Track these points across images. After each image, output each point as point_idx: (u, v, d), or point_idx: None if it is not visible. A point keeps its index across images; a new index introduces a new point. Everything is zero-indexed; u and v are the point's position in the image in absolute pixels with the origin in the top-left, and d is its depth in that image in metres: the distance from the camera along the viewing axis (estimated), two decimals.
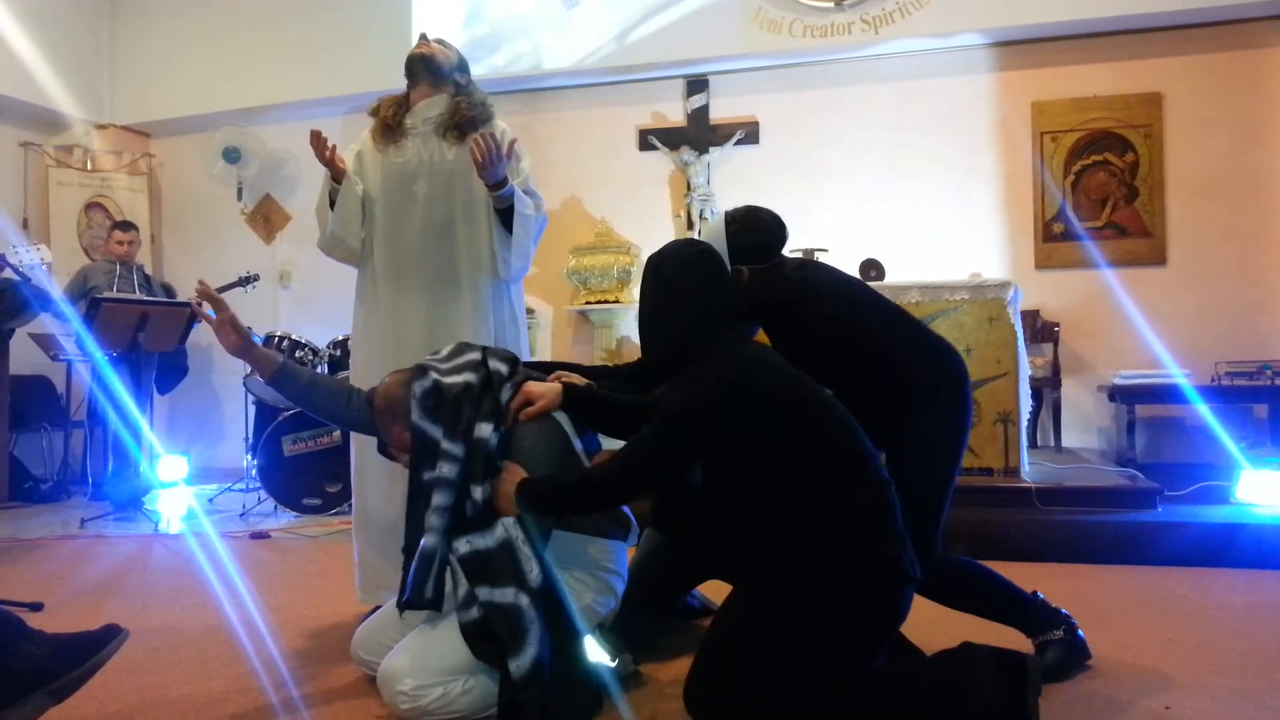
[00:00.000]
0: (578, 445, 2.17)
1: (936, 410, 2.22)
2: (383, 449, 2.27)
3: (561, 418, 2.16)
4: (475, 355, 2.19)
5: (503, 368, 2.17)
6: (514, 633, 1.92)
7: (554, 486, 2.02)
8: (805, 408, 1.92)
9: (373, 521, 2.76)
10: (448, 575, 2.03)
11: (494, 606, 1.94)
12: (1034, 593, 2.32)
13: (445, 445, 2.04)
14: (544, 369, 2.35)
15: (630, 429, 2.26)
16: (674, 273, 2.07)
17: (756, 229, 2.35)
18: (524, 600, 1.95)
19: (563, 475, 2.07)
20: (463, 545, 1.99)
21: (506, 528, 1.99)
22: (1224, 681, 2.21)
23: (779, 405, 1.89)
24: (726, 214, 2.39)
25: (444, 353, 2.22)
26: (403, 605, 2.05)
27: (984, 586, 2.28)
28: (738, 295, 2.14)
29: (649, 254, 2.18)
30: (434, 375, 2.11)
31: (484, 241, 2.74)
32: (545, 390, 2.13)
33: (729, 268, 2.18)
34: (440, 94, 2.79)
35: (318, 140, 2.64)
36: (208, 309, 2.32)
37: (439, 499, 2.01)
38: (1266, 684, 2.19)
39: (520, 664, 1.91)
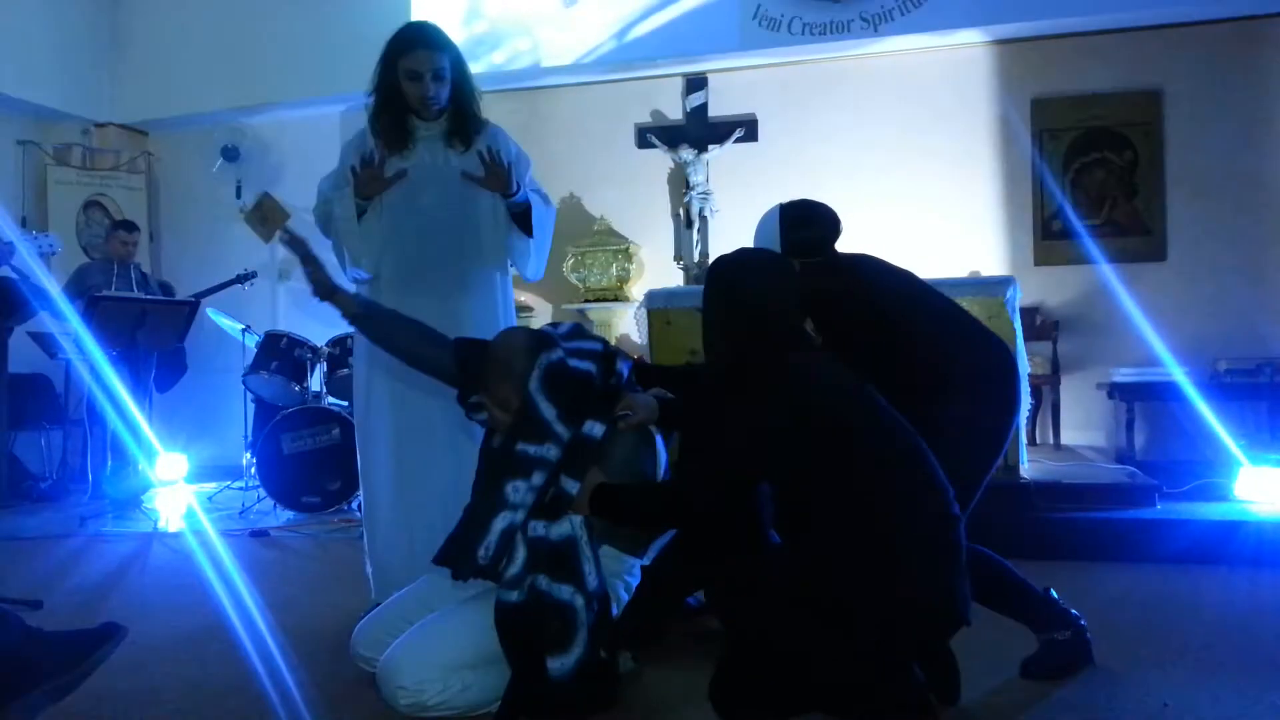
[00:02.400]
0: (660, 468, 2.18)
1: (984, 398, 2.20)
2: (463, 401, 2.20)
3: (653, 431, 2.17)
4: (598, 345, 2.15)
5: (625, 368, 2.15)
6: (566, 631, 1.91)
7: (625, 499, 2.01)
8: (861, 438, 1.84)
9: (380, 520, 2.72)
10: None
11: (550, 600, 1.92)
12: (1047, 589, 2.30)
13: (557, 428, 2.01)
14: (644, 373, 2.35)
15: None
16: (733, 277, 2.02)
17: (811, 223, 2.32)
18: (579, 601, 1.94)
19: (635, 487, 2.07)
20: (538, 527, 1.98)
21: (574, 525, 1.98)
22: (1222, 679, 2.21)
23: (831, 442, 1.82)
24: (780, 207, 2.36)
25: (563, 329, 2.18)
26: (460, 566, 2.01)
27: (995, 576, 2.24)
28: (801, 301, 2.10)
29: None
30: (560, 352, 2.06)
31: (490, 243, 2.73)
32: (644, 405, 2.13)
33: (793, 271, 2.12)
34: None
35: (370, 174, 2.58)
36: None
37: (536, 478, 1.99)
38: (1265, 681, 2.19)
39: (564, 663, 1.90)
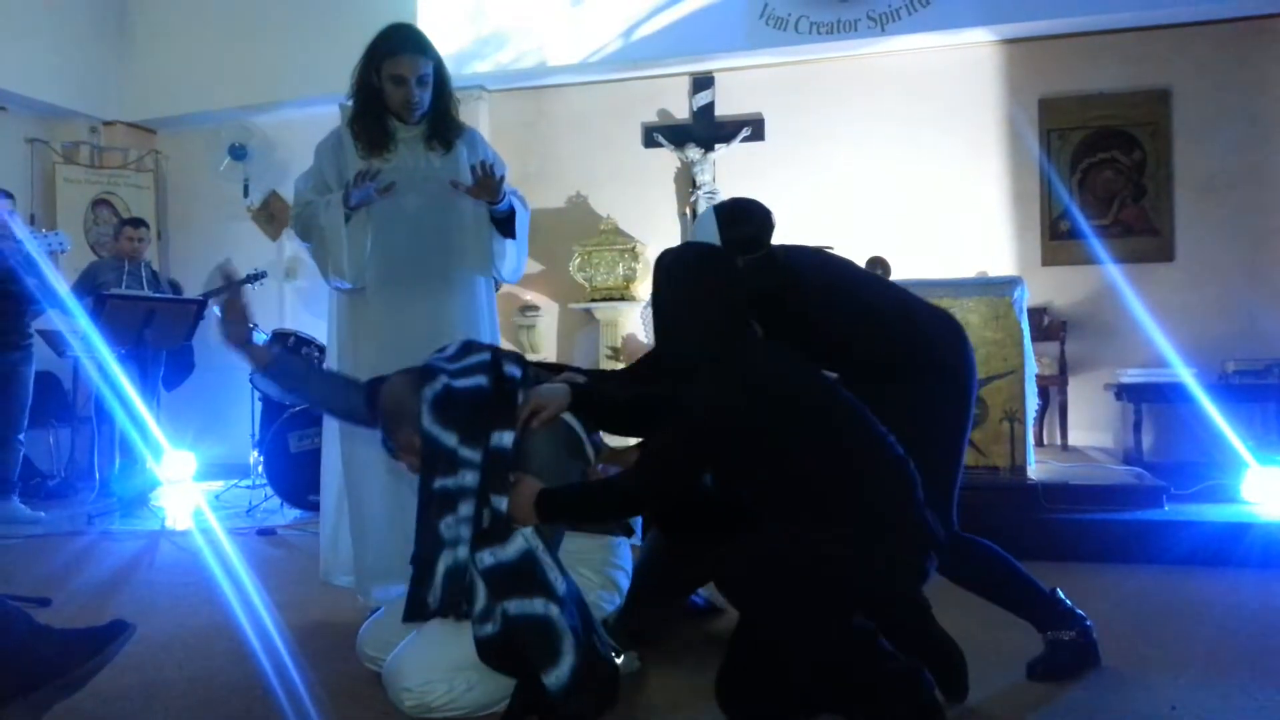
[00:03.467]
0: (588, 446, 2.16)
1: (939, 373, 2.23)
2: (386, 445, 2.22)
3: (570, 419, 2.15)
4: (485, 356, 2.14)
5: (516, 371, 2.13)
6: (548, 645, 1.89)
7: (573, 498, 2.02)
8: (815, 414, 1.91)
9: (370, 516, 2.70)
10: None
11: (524, 619, 1.90)
12: (1053, 590, 2.30)
13: (463, 453, 2.00)
14: (549, 369, 2.34)
15: (635, 425, 2.27)
16: (681, 270, 2.07)
17: (748, 220, 2.35)
18: (554, 610, 1.92)
19: (579, 487, 2.07)
20: (486, 558, 1.95)
21: (526, 538, 1.96)
22: (1230, 681, 2.20)
23: (788, 418, 1.88)
24: (714, 208, 2.40)
25: (450, 350, 2.18)
26: (415, 616, 2.01)
27: (1001, 571, 2.25)
28: (743, 291, 2.14)
29: (655, 251, 2.19)
30: (444, 379, 2.06)
31: (472, 244, 2.74)
32: (553, 395, 2.11)
33: (732, 262, 2.17)
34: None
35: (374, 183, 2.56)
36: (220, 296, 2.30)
37: (463, 509, 1.97)
38: (1273, 683, 2.18)
39: (559, 675, 1.87)
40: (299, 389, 2.35)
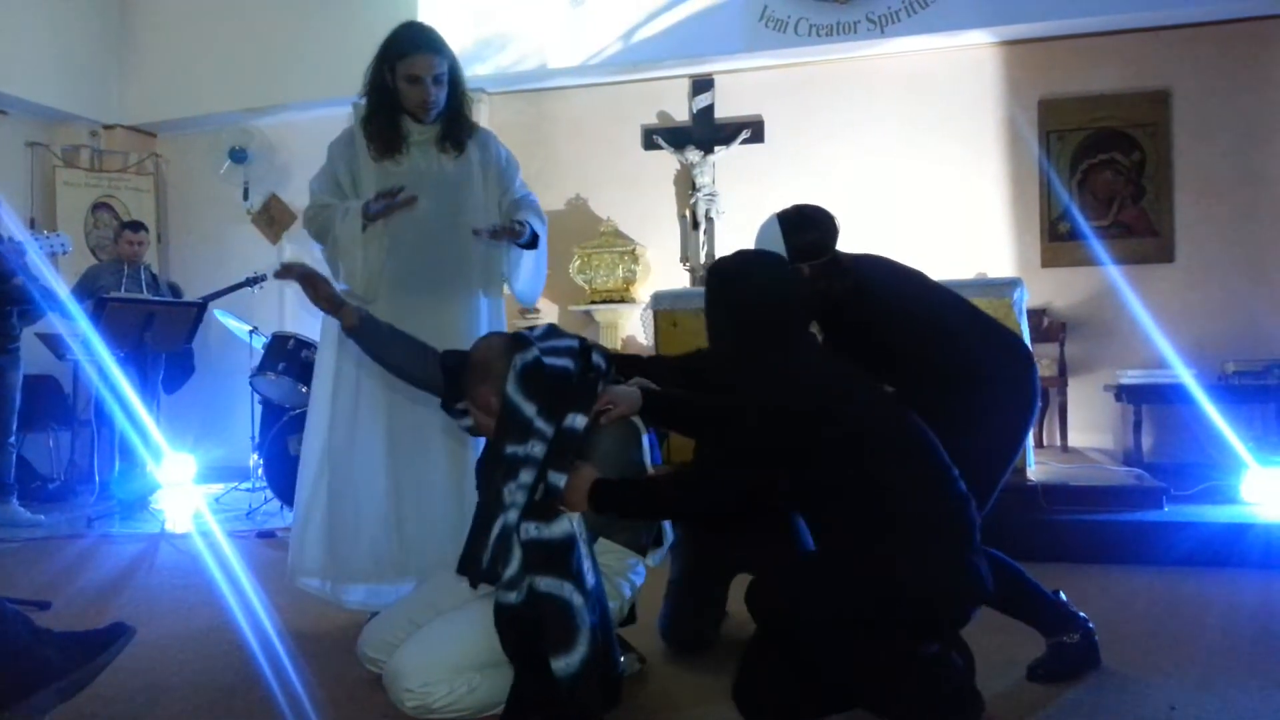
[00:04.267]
0: (647, 457, 2.20)
1: (1003, 391, 2.21)
2: (447, 407, 2.25)
3: (637, 421, 2.17)
4: (574, 342, 2.17)
5: (602, 362, 2.16)
6: (567, 631, 1.90)
7: (627, 492, 2.02)
8: (873, 435, 1.87)
9: (365, 514, 2.65)
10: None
11: (550, 600, 1.91)
12: (1055, 592, 2.29)
13: (538, 424, 2.02)
14: (626, 365, 2.38)
15: (702, 431, 2.29)
16: (737, 275, 2.06)
17: (811, 227, 2.33)
18: (579, 600, 1.92)
19: (634, 482, 2.08)
20: (531, 529, 1.97)
21: (572, 522, 1.98)
22: (1230, 682, 2.20)
23: (841, 432, 1.85)
24: (777, 215, 2.37)
25: (539, 331, 2.20)
26: (468, 571, 2.04)
27: (1007, 580, 2.23)
28: (804, 295, 2.12)
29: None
30: (536, 351, 2.09)
31: (481, 249, 2.72)
32: (627, 396, 2.13)
33: (790, 268, 2.15)
34: None
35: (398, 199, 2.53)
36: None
37: (524, 476, 2.00)
38: (1273, 684, 2.18)
39: (569, 663, 1.87)
40: (380, 352, 2.35)
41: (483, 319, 2.77)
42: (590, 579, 1.97)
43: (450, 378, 2.23)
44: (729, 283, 2.07)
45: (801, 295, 2.10)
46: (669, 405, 2.20)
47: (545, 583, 1.92)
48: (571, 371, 2.09)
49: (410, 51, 2.59)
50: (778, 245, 2.28)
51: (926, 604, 1.80)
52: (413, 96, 2.60)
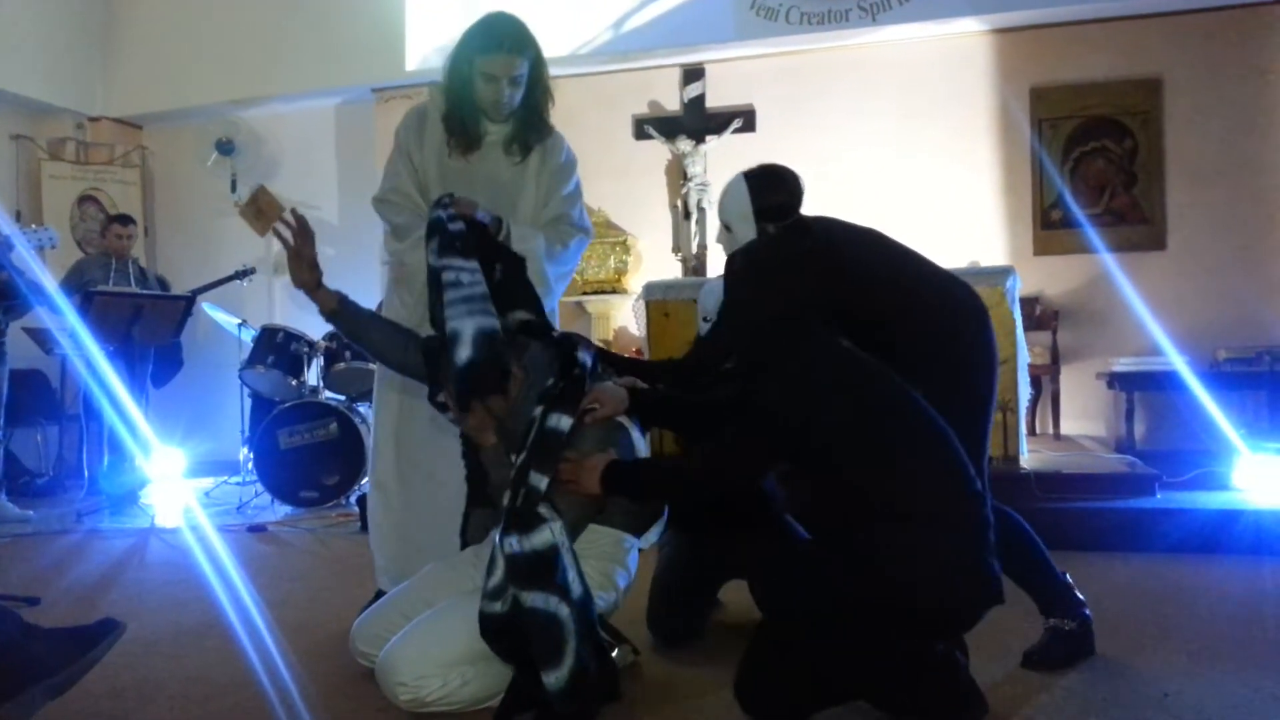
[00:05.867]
0: (639, 451, 2.16)
1: (969, 343, 2.19)
2: (433, 398, 2.21)
3: (625, 420, 2.14)
4: (562, 338, 2.19)
5: (588, 359, 2.14)
6: (553, 645, 1.87)
7: (640, 474, 2.01)
8: (886, 419, 1.86)
9: (393, 496, 2.62)
10: (478, 554, 2.03)
11: (536, 614, 1.88)
12: (1064, 574, 2.28)
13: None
14: (618, 364, 2.35)
15: (696, 429, 2.27)
16: (752, 270, 2.06)
17: (779, 186, 2.30)
18: (565, 611, 1.89)
19: (648, 464, 2.07)
20: (513, 543, 1.93)
21: (554, 532, 1.94)
22: (1222, 668, 2.21)
23: (857, 421, 1.84)
24: (745, 174, 2.33)
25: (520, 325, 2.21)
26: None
27: (1021, 546, 2.22)
28: (811, 286, 2.09)
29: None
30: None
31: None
32: (614, 396, 2.11)
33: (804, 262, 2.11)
34: None
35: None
36: (288, 234, 2.24)
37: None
38: (1265, 671, 2.18)
39: (559, 677, 1.85)
40: (360, 336, 2.33)
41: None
42: (576, 588, 1.94)
43: (431, 363, 2.19)
44: (753, 280, 2.04)
45: (809, 289, 2.08)
46: (659, 403, 2.18)
47: (530, 597, 1.89)
48: (553, 359, 2.11)
49: (492, 50, 2.43)
50: (744, 204, 2.26)
51: (938, 607, 1.78)
52: (487, 95, 2.47)
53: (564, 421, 2.01)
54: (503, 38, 2.44)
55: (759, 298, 2.02)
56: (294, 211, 2.30)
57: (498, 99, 2.46)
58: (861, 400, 1.86)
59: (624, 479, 1.98)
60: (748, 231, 2.29)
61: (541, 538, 1.93)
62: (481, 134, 2.54)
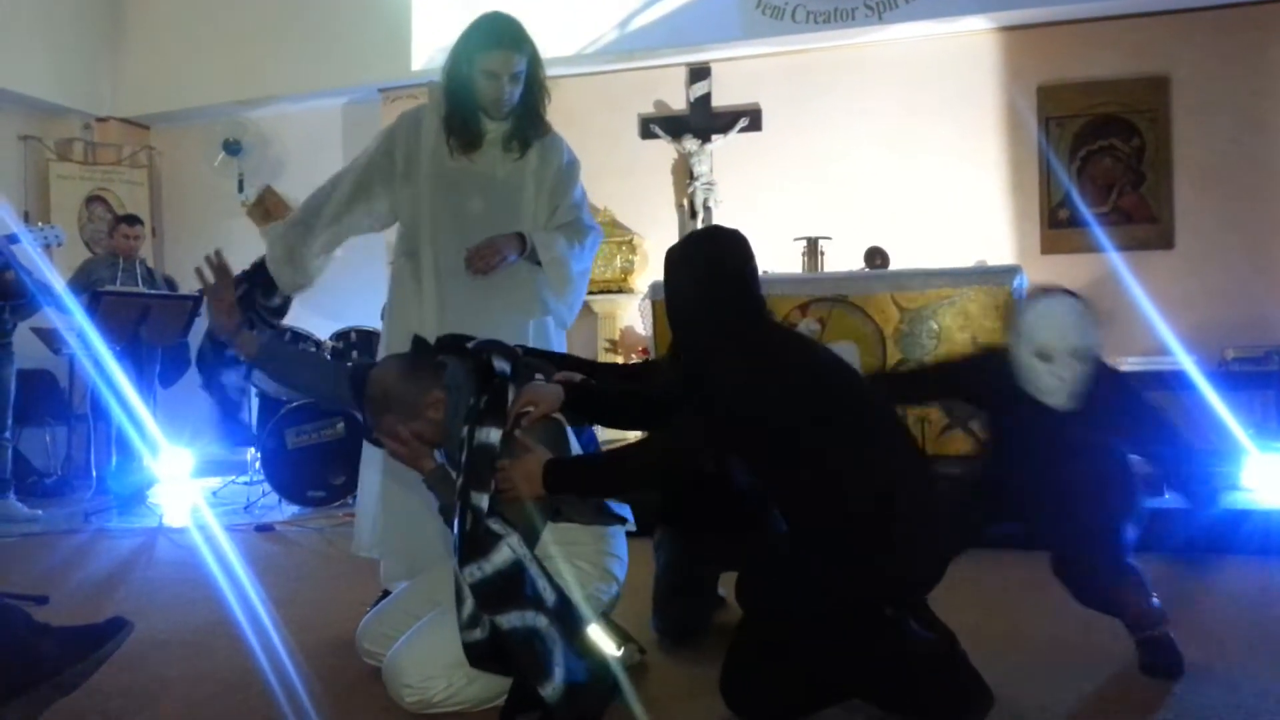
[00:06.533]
0: (576, 448, 2.13)
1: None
2: (368, 434, 2.20)
3: (560, 418, 2.10)
4: (469, 356, 2.12)
5: (505, 366, 2.08)
6: (538, 659, 1.85)
7: (582, 468, 1.99)
8: (845, 410, 1.87)
9: (396, 497, 2.62)
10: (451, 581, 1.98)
11: (515, 633, 1.86)
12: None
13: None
14: (546, 359, 2.31)
15: (631, 420, 2.26)
16: (694, 258, 2.04)
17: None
18: (542, 622, 1.87)
19: (589, 457, 2.06)
20: (474, 571, 1.89)
21: (513, 547, 1.91)
22: (1231, 669, 2.20)
23: (817, 410, 1.84)
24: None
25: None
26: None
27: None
28: (756, 273, 2.09)
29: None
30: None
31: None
32: (546, 394, 2.07)
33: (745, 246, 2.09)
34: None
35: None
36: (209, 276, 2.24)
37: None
38: (1274, 672, 2.17)
39: (554, 687, 1.84)
40: (286, 376, 2.32)
41: (529, 318, 2.66)
42: (549, 595, 1.91)
43: (359, 395, 2.14)
44: (710, 259, 2.02)
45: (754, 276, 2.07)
46: (596, 395, 2.13)
47: (505, 619, 1.86)
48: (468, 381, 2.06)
49: (491, 47, 2.46)
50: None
51: (898, 583, 1.83)
52: (488, 92, 2.49)
53: (493, 435, 1.96)
54: (501, 35, 2.48)
55: (704, 286, 2.01)
56: (217, 252, 2.29)
57: (498, 96, 2.49)
58: (819, 384, 1.87)
59: (565, 477, 1.94)
60: None
61: (501, 556, 1.89)
62: (482, 132, 2.56)
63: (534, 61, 2.55)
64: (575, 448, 2.13)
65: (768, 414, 1.82)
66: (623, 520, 2.19)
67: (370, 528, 2.70)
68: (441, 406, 2.06)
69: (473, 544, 1.91)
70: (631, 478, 2.00)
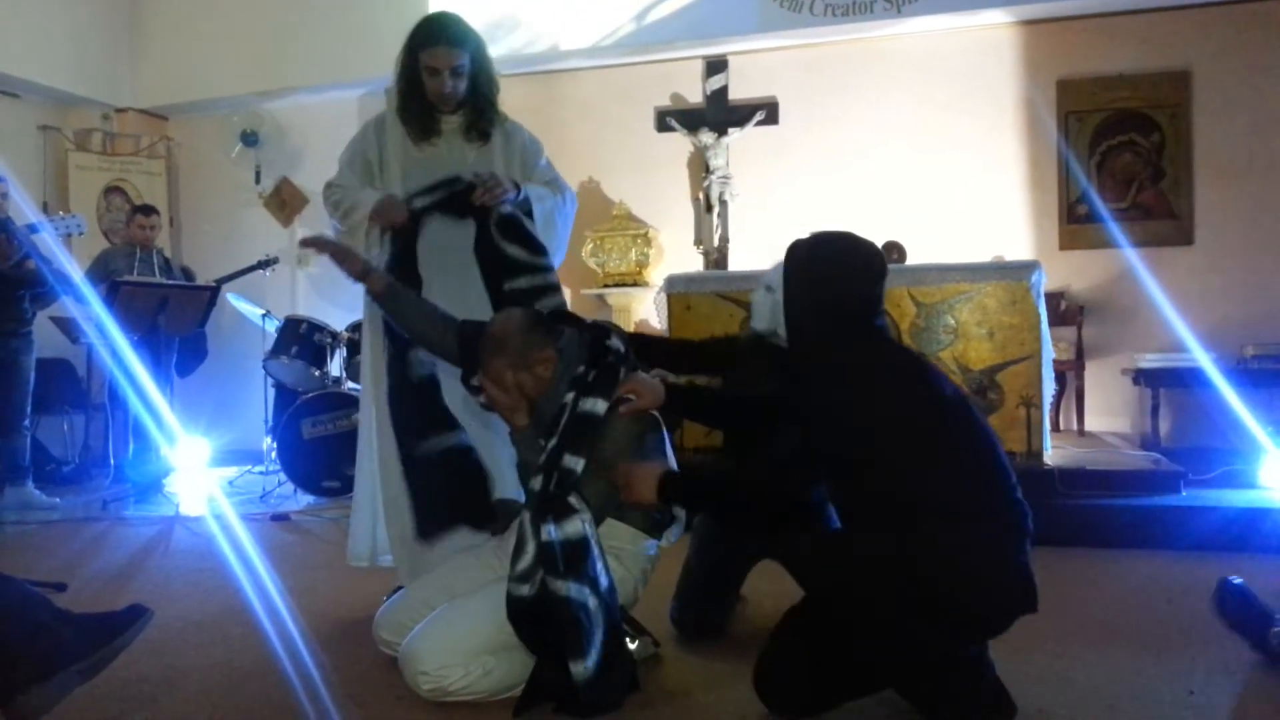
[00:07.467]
0: (668, 453, 2.17)
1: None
2: (465, 381, 2.26)
3: (658, 418, 2.15)
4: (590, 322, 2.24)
5: (620, 347, 2.16)
6: (581, 635, 1.89)
7: (701, 487, 2.01)
8: (940, 422, 1.84)
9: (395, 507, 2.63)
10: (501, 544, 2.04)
11: (569, 603, 1.90)
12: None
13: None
14: (648, 348, 2.41)
15: (724, 423, 2.32)
16: (813, 266, 1.97)
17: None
18: (593, 603, 1.92)
19: (708, 477, 2.09)
20: (550, 530, 1.96)
21: (585, 523, 1.97)
22: (1248, 667, 2.19)
23: (915, 425, 1.83)
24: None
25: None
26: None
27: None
28: (877, 289, 2.04)
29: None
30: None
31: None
32: (650, 388, 2.11)
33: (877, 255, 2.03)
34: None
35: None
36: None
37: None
38: None
39: (586, 666, 1.88)
40: (402, 316, 2.41)
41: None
42: (604, 580, 1.96)
43: (467, 349, 2.23)
44: (820, 267, 1.96)
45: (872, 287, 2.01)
46: (696, 396, 2.18)
47: (560, 585, 1.91)
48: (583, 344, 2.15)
49: (430, 43, 2.60)
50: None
51: (977, 608, 1.78)
52: (432, 87, 2.62)
53: (599, 405, 2.03)
54: (439, 33, 2.63)
55: (818, 297, 1.95)
56: (318, 242, 2.48)
57: (441, 90, 2.62)
58: (916, 398, 1.85)
59: (680, 490, 1.98)
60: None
61: (574, 527, 1.95)
62: (436, 123, 2.69)
63: (479, 56, 2.68)
64: (668, 448, 2.18)
65: (869, 455, 1.81)
66: (664, 537, 2.21)
67: (366, 537, 2.75)
68: (551, 365, 2.14)
69: (550, 504, 1.97)
70: (738, 509, 2.03)
